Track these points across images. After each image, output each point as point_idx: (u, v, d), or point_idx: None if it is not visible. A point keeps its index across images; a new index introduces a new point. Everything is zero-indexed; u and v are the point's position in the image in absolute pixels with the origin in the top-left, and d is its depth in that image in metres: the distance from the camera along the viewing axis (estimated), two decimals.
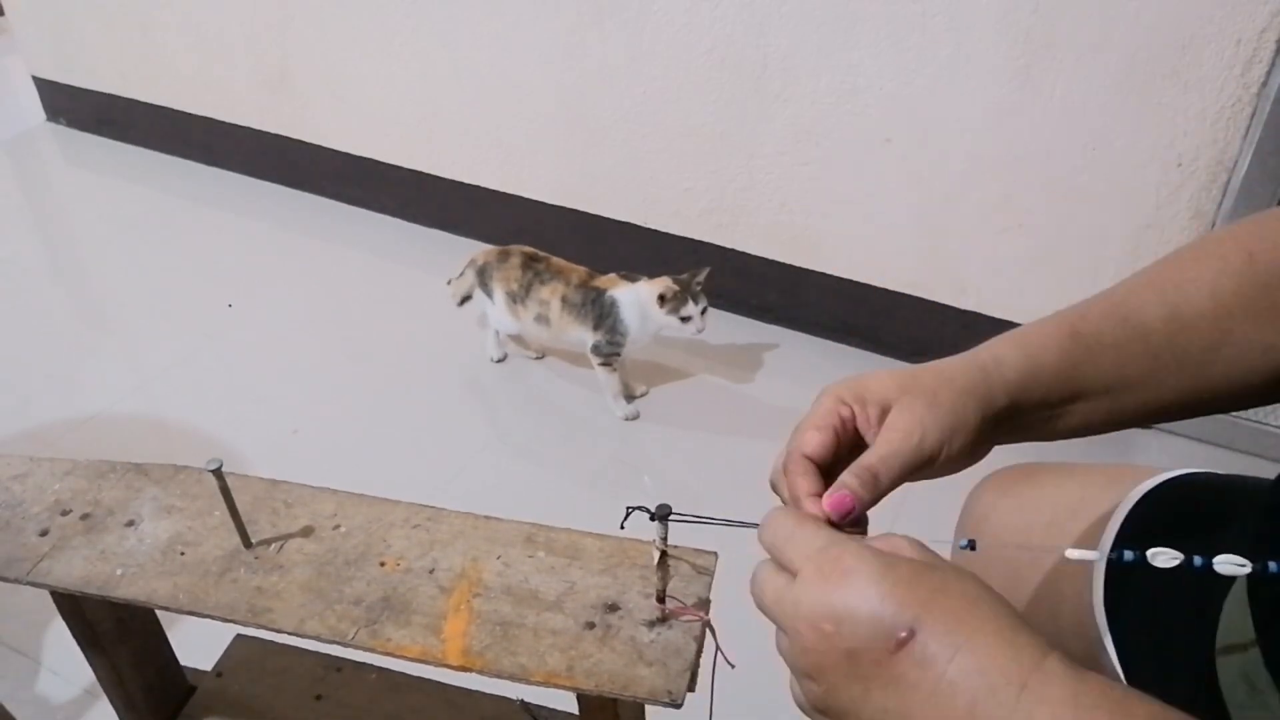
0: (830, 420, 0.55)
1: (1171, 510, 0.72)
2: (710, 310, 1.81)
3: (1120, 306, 0.58)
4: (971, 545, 0.55)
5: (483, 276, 1.93)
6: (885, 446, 0.53)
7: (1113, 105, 1.60)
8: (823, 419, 0.56)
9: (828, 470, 0.55)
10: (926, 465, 0.54)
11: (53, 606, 0.80)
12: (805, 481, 0.54)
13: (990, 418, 0.55)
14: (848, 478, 0.53)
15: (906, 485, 0.55)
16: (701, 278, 1.80)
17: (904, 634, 0.43)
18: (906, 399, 0.55)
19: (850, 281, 2.02)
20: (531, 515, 0.77)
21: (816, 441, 0.55)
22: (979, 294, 1.89)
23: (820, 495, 0.53)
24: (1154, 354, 0.56)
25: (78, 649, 0.86)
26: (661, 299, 1.78)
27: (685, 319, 1.79)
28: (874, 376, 0.57)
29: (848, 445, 0.56)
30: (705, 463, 1.84)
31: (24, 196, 2.90)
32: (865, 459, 0.53)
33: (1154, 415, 0.59)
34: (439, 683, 0.91)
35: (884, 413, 0.55)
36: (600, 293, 1.83)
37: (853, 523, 0.52)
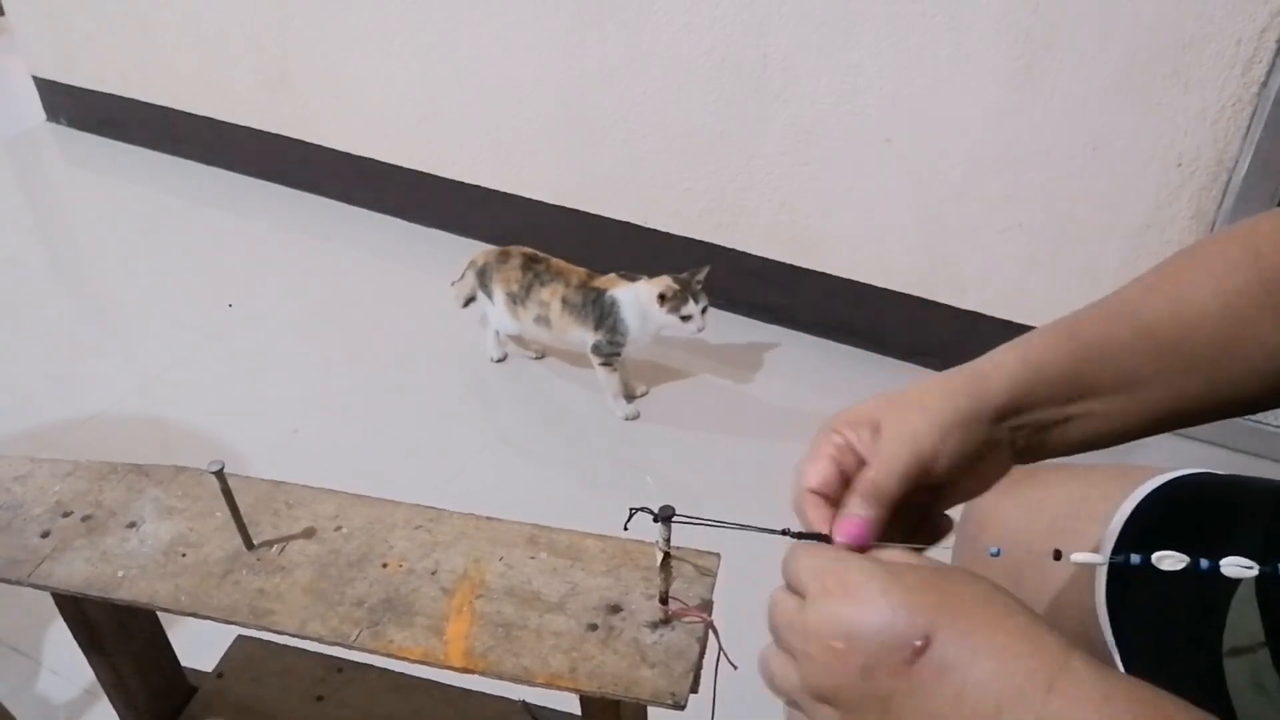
0: (826, 450, 0.55)
1: (1174, 510, 0.72)
2: (710, 310, 1.81)
3: (1125, 308, 0.57)
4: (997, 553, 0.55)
5: (483, 277, 1.93)
6: (880, 457, 0.53)
7: (1113, 105, 1.60)
8: (818, 450, 0.55)
9: (842, 502, 0.54)
10: (927, 469, 0.53)
11: (53, 606, 0.80)
12: (817, 514, 0.53)
13: (989, 416, 0.54)
14: (850, 501, 0.52)
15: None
16: (702, 276, 1.80)
17: (919, 642, 0.42)
18: (894, 411, 0.54)
19: (850, 281, 2.02)
20: (531, 515, 0.77)
21: (817, 473, 0.54)
22: (979, 294, 1.89)
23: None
24: (1162, 354, 0.55)
25: (78, 649, 0.86)
26: (662, 298, 1.78)
27: (686, 318, 1.79)
28: (864, 401, 0.56)
29: (854, 472, 0.55)
30: (705, 463, 1.84)
31: (24, 196, 2.89)
32: (863, 476, 0.53)
33: (1167, 420, 0.57)
34: (441, 684, 0.91)
35: (875, 431, 0.54)
36: (600, 293, 1.83)
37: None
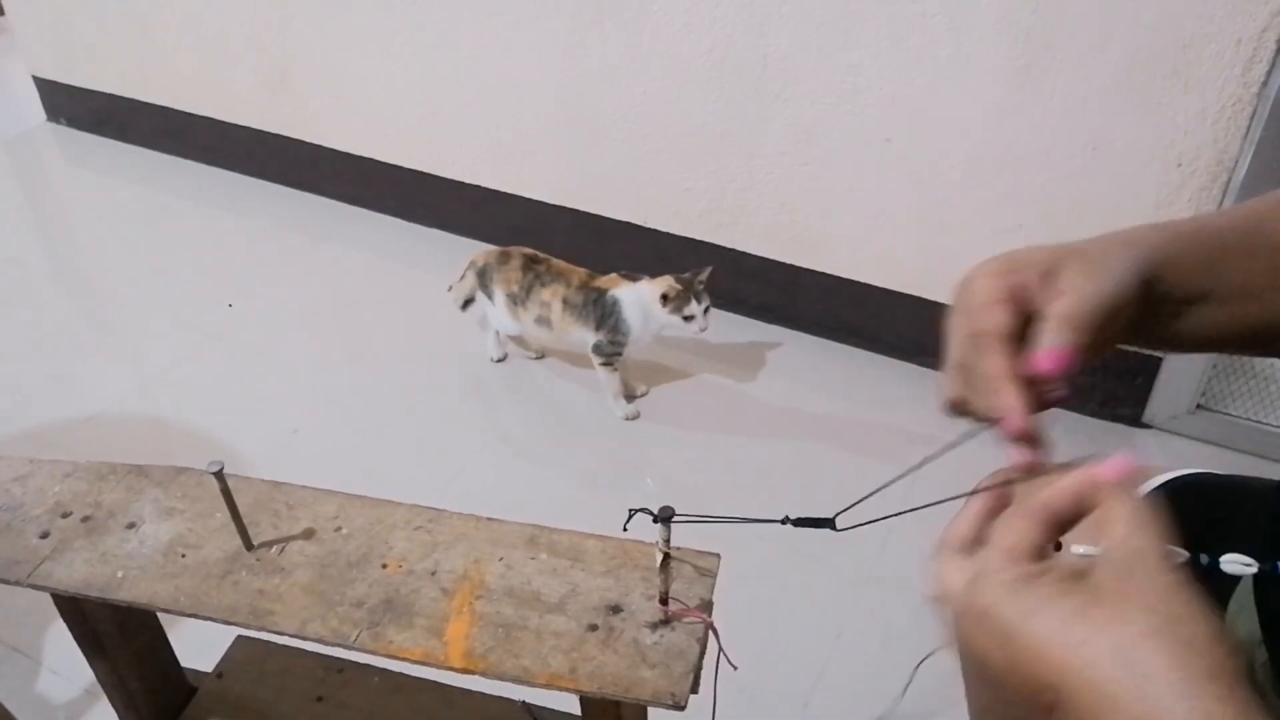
0: (1000, 294, 0.50)
1: (1173, 510, 0.72)
2: (712, 310, 1.81)
3: (1252, 217, 0.56)
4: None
5: (483, 278, 1.93)
6: (1078, 292, 0.49)
7: (1113, 105, 1.60)
8: (996, 292, 0.50)
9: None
10: (1120, 312, 0.50)
11: (53, 606, 0.80)
12: (1007, 362, 0.48)
13: (1145, 281, 0.52)
14: (1048, 332, 0.48)
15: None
16: (704, 276, 1.80)
17: (1048, 698, 0.39)
18: (1075, 258, 0.51)
19: (850, 281, 2.02)
20: (531, 515, 0.77)
21: (1000, 316, 0.49)
22: None
23: (1016, 379, 0.48)
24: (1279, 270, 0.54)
25: (78, 649, 0.86)
26: (664, 298, 1.78)
27: (688, 318, 1.79)
28: (1020, 251, 0.52)
29: (1019, 323, 0.50)
30: (706, 462, 1.84)
31: (24, 196, 2.89)
32: (1060, 309, 0.49)
33: (1265, 338, 0.56)
34: (440, 684, 0.91)
35: (1048, 277, 0.50)
36: (602, 293, 1.83)
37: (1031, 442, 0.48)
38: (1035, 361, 0.47)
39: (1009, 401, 0.47)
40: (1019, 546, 0.43)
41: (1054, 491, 0.44)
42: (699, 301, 1.78)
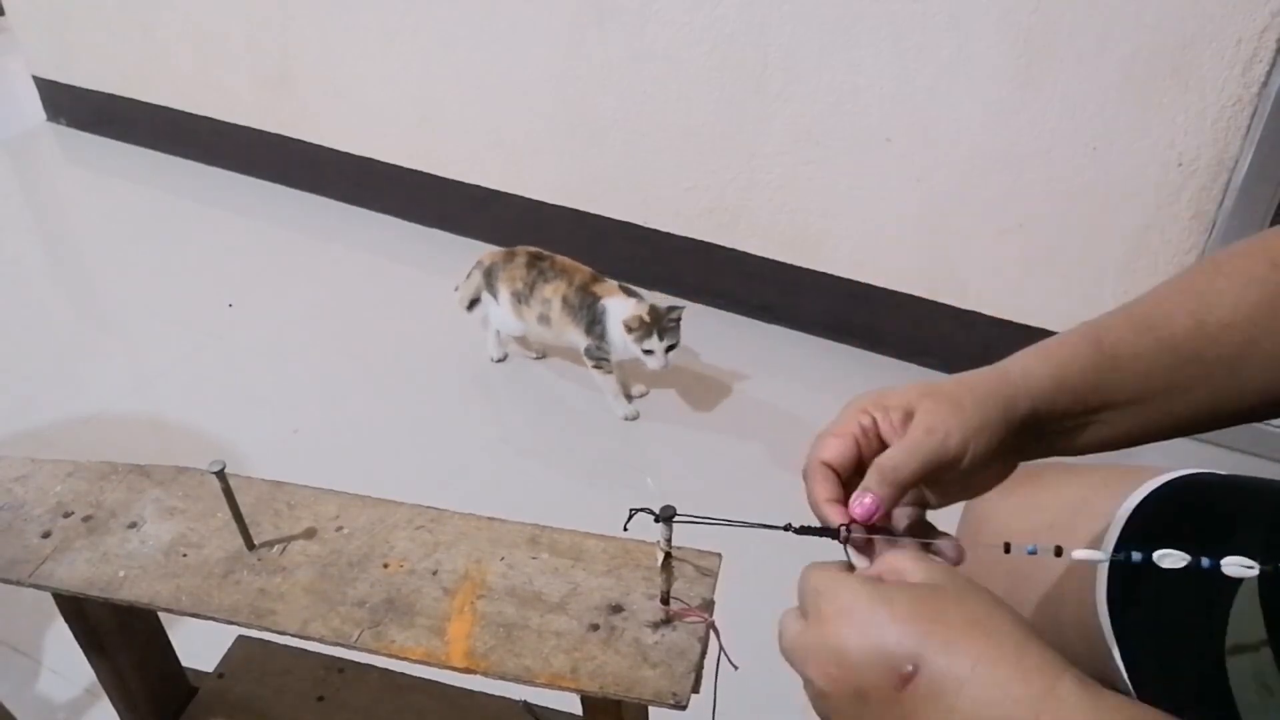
0: (850, 428, 0.56)
1: (1175, 510, 0.72)
2: (711, 309, 1.81)
3: (1146, 318, 0.58)
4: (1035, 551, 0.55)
5: (489, 277, 1.93)
6: (907, 443, 0.54)
7: (1113, 105, 1.60)
8: (843, 427, 0.56)
9: (848, 482, 0.55)
10: (950, 466, 0.54)
11: (53, 606, 0.80)
12: (823, 488, 0.55)
13: (1015, 425, 0.55)
14: (868, 478, 0.53)
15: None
16: (677, 315, 1.77)
17: (909, 668, 0.43)
18: (929, 401, 0.55)
19: (851, 281, 2.02)
20: (532, 514, 0.77)
21: (835, 448, 0.56)
22: (979, 294, 1.89)
23: (838, 501, 0.54)
24: (1180, 365, 0.56)
25: (79, 648, 0.86)
26: (628, 326, 1.76)
27: (647, 351, 1.76)
28: (897, 387, 0.57)
29: (871, 455, 0.56)
30: (705, 462, 1.84)
31: (24, 196, 2.89)
32: (884, 457, 0.54)
33: (1181, 427, 0.59)
34: (441, 683, 0.91)
35: (907, 417, 0.55)
36: (596, 299, 1.83)
37: (880, 526, 0.53)
38: (850, 504, 0.53)
39: (830, 516, 0.54)
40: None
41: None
42: (661, 339, 1.75)
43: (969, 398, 0.55)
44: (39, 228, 2.72)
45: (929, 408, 0.54)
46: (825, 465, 0.55)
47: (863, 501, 0.52)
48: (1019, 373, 0.56)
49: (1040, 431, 0.57)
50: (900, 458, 0.53)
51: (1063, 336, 0.58)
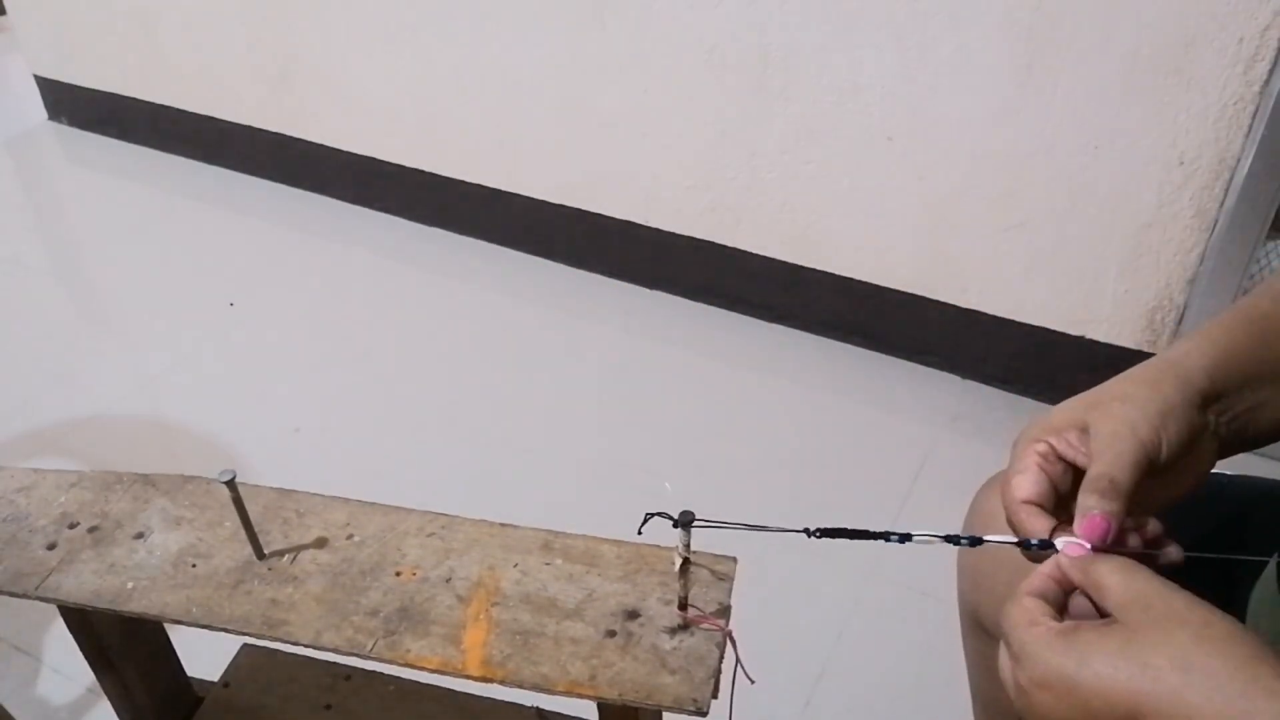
0: (1032, 460, 0.54)
1: (1180, 510, 0.72)
2: (712, 309, 1.80)
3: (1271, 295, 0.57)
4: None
5: None
6: (1105, 453, 0.52)
7: (1115, 103, 1.60)
8: (1024, 463, 0.55)
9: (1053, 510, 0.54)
10: (1153, 459, 0.52)
11: (55, 607, 0.80)
12: (1038, 523, 0.53)
13: (1196, 403, 0.54)
14: (1085, 499, 0.51)
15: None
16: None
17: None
18: (1100, 410, 0.54)
19: (852, 280, 2.01)
20: (535, 517, 0.77)
21: (1029, 485, 0.54)
22: (981, 292, 1.89)
23: (1059, 527, 0.52)
24: None
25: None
26: None
27: None
28: (1055, 409, 0.56)
29: (1060, 480, 0.54)
30: (705, 462, 1.83)
31: (25, 196, 2.88)
32: (1092, 472, 0.52)
33: None
34: (451, 690, 0.91)
35: (1083, 434, 0.54)
36: None
37: (1115, 541, 0.51)
38: (1077, 529, 0.51)
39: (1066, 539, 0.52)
40: (1038, 618, 0.48)
41: (1036, 577, 0.51)
42: None
43: (1136, 390, 0.53)
44: (40, 227, 2.72)
45: (1103, 413, 0.53)
46: (1027, 503, 0.53)
47: (1092, 522, 0.50)
48: (1179, 355, 0.55)
49: (1223, 411, 0.56)
50: (1108, 468, 0.51)
51: (1214, 319, 0.58)
